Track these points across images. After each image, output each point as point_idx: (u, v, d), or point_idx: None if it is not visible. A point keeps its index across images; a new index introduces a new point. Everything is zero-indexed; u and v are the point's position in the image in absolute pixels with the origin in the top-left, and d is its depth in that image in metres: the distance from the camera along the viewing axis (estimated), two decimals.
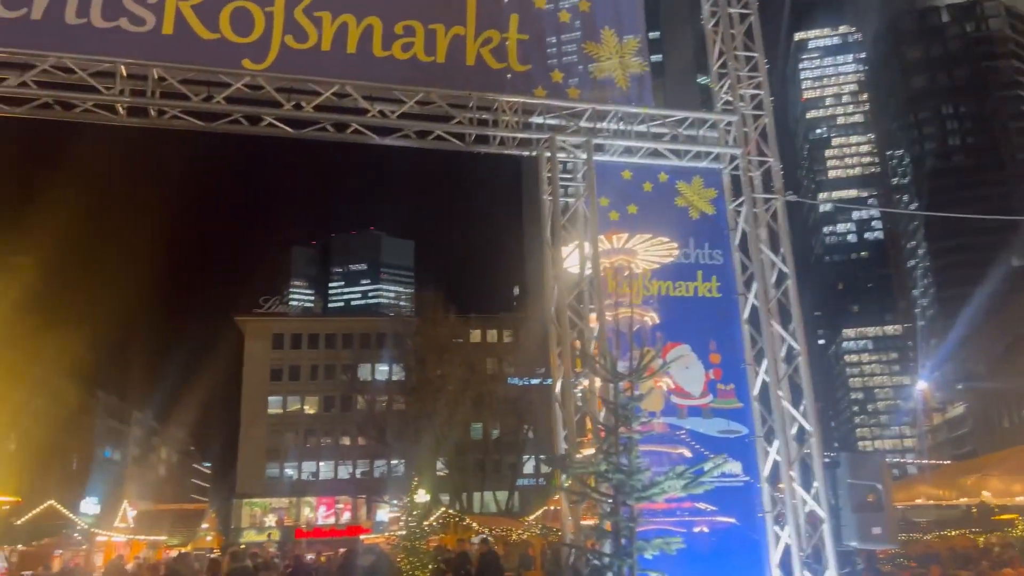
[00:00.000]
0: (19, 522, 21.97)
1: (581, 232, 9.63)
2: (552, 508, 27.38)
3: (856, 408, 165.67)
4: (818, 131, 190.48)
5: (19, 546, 19.81)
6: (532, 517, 28.66)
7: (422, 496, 23.04)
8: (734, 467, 8.47)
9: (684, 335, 9.20)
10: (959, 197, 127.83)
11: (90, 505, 25.14)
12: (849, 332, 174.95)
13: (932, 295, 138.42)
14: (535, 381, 63.99)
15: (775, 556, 8.42)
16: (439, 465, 56.32)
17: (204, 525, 34.89)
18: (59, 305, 47.88)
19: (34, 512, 22.74)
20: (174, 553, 26.46)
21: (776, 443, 8.81)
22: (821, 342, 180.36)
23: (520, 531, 20.39)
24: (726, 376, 9.04)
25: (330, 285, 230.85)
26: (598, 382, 8.73)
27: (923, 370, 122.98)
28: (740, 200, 9.39)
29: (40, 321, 45.09)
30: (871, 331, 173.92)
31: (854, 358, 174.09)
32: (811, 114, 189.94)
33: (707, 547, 7.90)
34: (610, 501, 6.09)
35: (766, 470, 8.72)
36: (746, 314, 9.37)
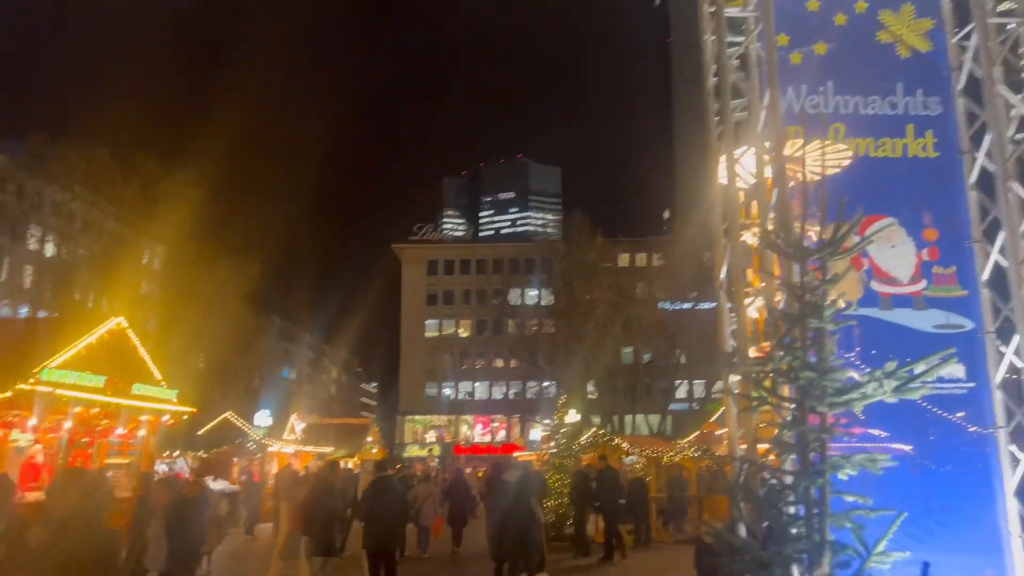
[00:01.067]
0: (200, 432, 23.96)
1: (753, 84, 7.84)
2: (709, 432, 26.50)
3: None
4: None
5: (200, 453, 21.65)
6: (686, 440, 27.95)
7: (572, 416, 22.84)
8: (956, 370, 6.96)
9: (889, 205, 7.32)
10: None
11: (263, 418, 27.17)
12: None
13: None
14: (687, 305, 62.30)
15: (1012, 482, 6.90)
16: (589, 388, 56.52)
17: (368, 439, 36.83)
18: (231, 234, 51.05)
19: (212, 424, 24.70)
20: (350, 464, 28.10)
21: (1015, 340, 7.14)
22: None
23: (672, 453, 19.71)
24: (945, 257, 7.34)
25: (480, 214, 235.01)
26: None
27: None
28: (967, 29, 7.46)
29: (215, 249, 48.51)
30: None
31: None
32: None
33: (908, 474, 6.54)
34: (794, 407, 5.13)
35: (999, 375, 7.09)
36: (973, 177, 7.48)
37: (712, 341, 36.05)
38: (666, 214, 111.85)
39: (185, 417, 18.61)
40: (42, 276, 49.61)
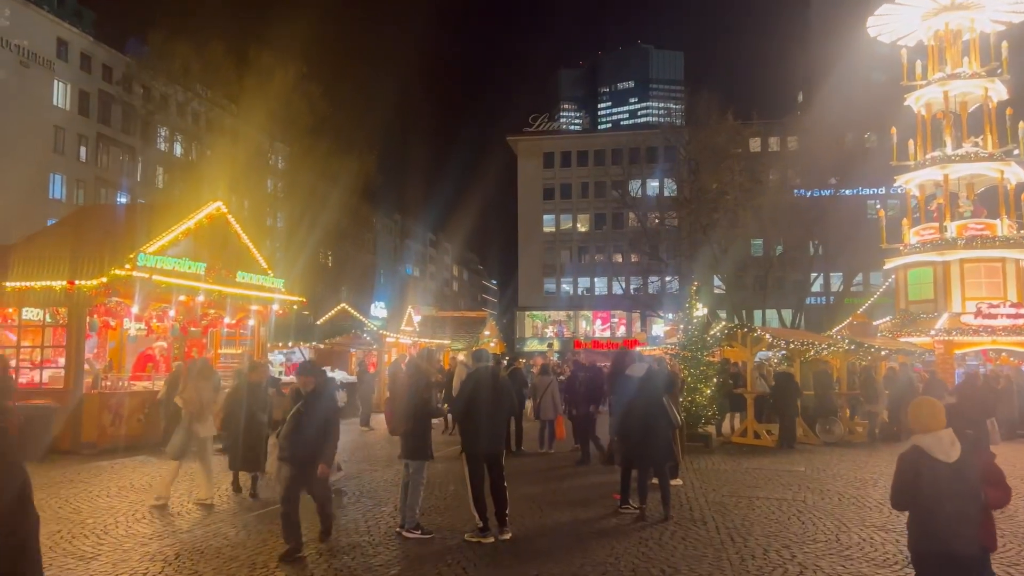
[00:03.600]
0: (319, 322, 23.66)
1: None
2: (861, 324, 23.87)
3: None
4: None
5: (314, 343, 21.26)
6: (835, 330, 25.47)
7: (700, 311, 20.85)
8: None
9: None
10: None
11: (379, 310, 26.88)
12: None
13: None
14: (825, 192, 57.52)
15: None
16: (716, 282, 53.78)
17: (486, 332, 36.17)
18: (348, 129, 50.44)
19: (329, 315, 24.35)
20: (460, 356, 27.42)
21: None
22: None
23: (824, 346, 17.47)
24: None
25: (599, 106, 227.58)
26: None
27: None
28: None
29: (332, 146, 48.27)
30: None
31: None
32: None
33: None
34: None
35: None
36: None
37: (852, 230, 32.86)
38: (800, 97, 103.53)
39: (295, 307, 17.98)
40: (172, 176, 51.10)
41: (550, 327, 74.60)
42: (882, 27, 25.81)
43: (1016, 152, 23.41)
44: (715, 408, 16.23)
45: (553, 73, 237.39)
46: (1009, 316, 20.69)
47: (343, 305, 25.06)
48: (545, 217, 75.88)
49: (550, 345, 68.91)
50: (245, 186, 44.62)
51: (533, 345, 69.68)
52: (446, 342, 29.28)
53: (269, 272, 17.20)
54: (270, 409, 10.32)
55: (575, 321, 74.14)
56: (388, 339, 24.42)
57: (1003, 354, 22.84)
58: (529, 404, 16.90)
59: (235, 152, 43.76)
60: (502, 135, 79.00)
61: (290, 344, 20.55)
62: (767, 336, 16.49)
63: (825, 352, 18.44)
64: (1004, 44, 23.61)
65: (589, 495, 10.41)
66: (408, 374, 8.84)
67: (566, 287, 74.79)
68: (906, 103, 24.92)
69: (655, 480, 9.15)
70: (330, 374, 16.25)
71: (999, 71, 23.53)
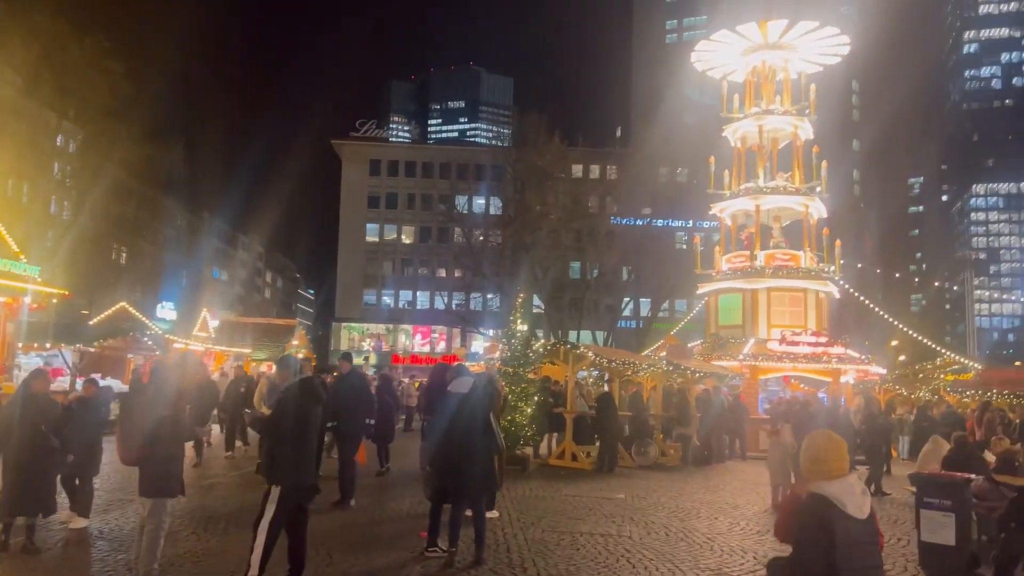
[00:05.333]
0: (92, 323, 20.43)
1: None
2: (674, 347, 24.16)
3: (976, 270, 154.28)
4: None
5: (79, 345, 18.02)
6: (649, 351, 25.77)
7: (522, 325, 20.02)
8: None
9: None
10: None
11: (166, 311, 23.89)
12: (979, 188, 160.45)
13: None
14: (640, 222, 60.01)
15: None
16: (535, 301, 54.21)
17: (294, 342, 33.56)
18: (151, 116, 45.62)
19: (106, 313, 21.14)
20: (263, 368, 24.89)
21: None
22: (945, 198, 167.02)
23: (646, 365, 17.19)
24: None
25: (429, 122, 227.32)
26: None
27: None
28: None
29: (133, 131, 43.44)
30: (1004, 188, 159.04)
31: (981, 216, 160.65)
32: None
33: None
34: None
35: None
36: None
37: (662, 259, 33.86)
38: (619, 131, 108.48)
39: (55, 300, 15.08)
40: None
41: (368, 340, 72.05)
42: (706, 60, 26.69)
43: (818, 189, 24.87)
44: (535, 428, 15.31)
45: (384, 84, 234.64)
46: (810, 344, 21.65)
47: (123, 304, 21.88)
48: (369, 226, 73.49)
49: (366, 359, 66.47)
50: (26, 167, 39.19)
51: None
52: (246, 351, 26.63)
53: (22, 257, 14.26)
54: (64, 429, 7.71)
55: (395, 335, 72.13)
56: (177, 344, 21.55)
57: (793, 381, 23.98)
58: None
59: (18, 128, 38.21)
60: (325, 138, 75.99)
61: (48, 346, 17.29)
62: (590, 354, 15.85)
63: (643, 373, 18.20)
64: (812, 87, 25.12)
65: (394, 532, 8.94)
66: (152, 385, 6.95)
67: (387, 299, 72.69)
68: (724, 134, 25.83)
69: (469, 512, 7.87)
70: (103, 382, 13.60)
71: (807, 111, 24.96)
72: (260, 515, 6.02)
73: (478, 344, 62.85)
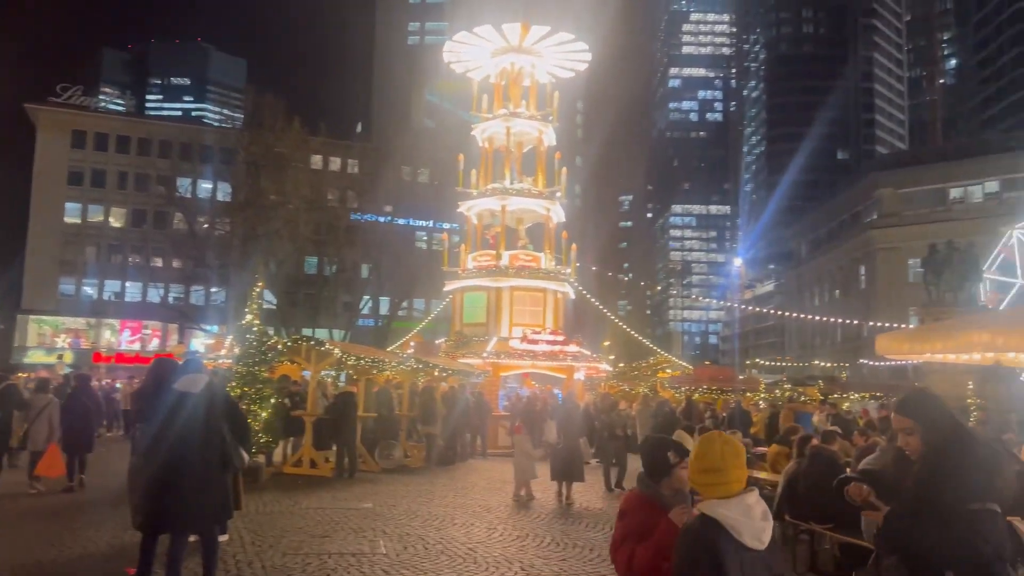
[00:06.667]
0: None
1: None
2: (419, 344, 23.56)
3: (672, 280, 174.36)
4: (680, 3, 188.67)
5: None
6: (396, 348, 24.92)
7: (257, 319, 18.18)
8: None
9: None
10: (795, 87, 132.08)
11: None
12: (677, 208, 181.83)
13: (760, 180, 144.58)
14: (382, 219, 59.01)
15: None
16: (267, 296, 50.99)
17: None
18: None
19: None
20: None
21: None
22: (650, 215, 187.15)
23: (394, 363, 16.29)
24: None
25: (147, 98, 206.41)
26: None
27: (743, 249, 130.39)
28: None
29: None
30: (697, 209, 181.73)
31: (678, 233, 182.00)
32: None
33: None
34: None
35: None
36: None
37: (402, 258, 33.36)
38: (359, 127, 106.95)
39: None
40: None
41: (63, 336, 62.89)
42: (458, 57, 26.50)
43: (558, 194, 25.75)
44: (269, 434, 13.72)
45: (95, 51, 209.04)
46: (548, 343, 22.23)
47: None
48: (69, 205, 64.16)
49: (60, 357, 57.86)
50: None
51: (38, 356, 57.89)
52: None
53: None
54: None
55: (98, 331, 63.73)
56: None
57: (527, 378, 24.62)
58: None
59: None
60: (16, 101, 65.23)
61: None
62: (336, 351, 14.60)
63: (389, 371, 17.34)
64: (556, 95, 25.96)
65: (89, 570, 7.13)
66: None
67: (89, 290, 64.03)
68: (472, 133, 25.81)
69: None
70: None
71: (550, 118, 25.73)
72: None
73: (198, 342, 57.60)
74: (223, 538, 8.07)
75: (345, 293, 57.51)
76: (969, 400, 22.53)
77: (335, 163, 65.51)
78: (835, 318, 49.47)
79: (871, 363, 47.60)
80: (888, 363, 44.60)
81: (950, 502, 2.88)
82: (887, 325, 42.99)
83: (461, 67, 26.71)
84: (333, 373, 24.22)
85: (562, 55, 26.09)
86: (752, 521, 2.75)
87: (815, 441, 7.85)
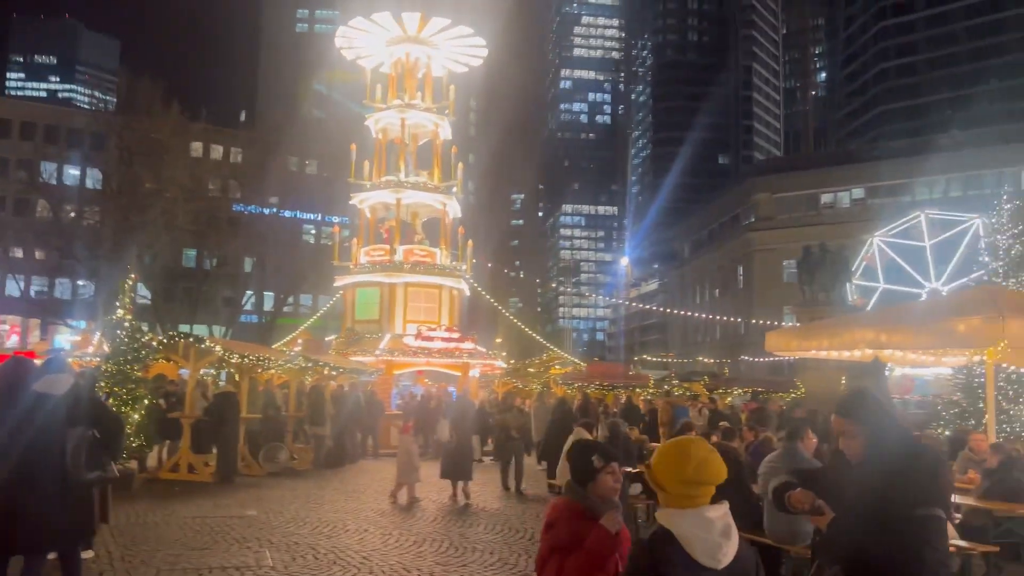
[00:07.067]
0: None
1: None
2: (310, 342, 22.64)
3: (562, 279, 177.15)
4: (572, 6, 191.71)
5: None
6: (282, 344, 23.81)
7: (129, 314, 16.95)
8: None
9: None
10: (680, 92, 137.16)
11: None
12: (567, 208, 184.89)
13: (646, 182, 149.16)
14: (267, 211, 56.74)
15: None
16: (140, 290, 48.05)
17: None
18: None
19: None
20: None
21: None
22: (541, 214, 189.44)
23: (282, 361, 15.48)
24: None
25: (7, 75, 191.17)
26: None
27: (629, 248, 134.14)
28: None
29: None
30: (586, 209, 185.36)
31: (568, 232, 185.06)
32: None
33: None
34: None
35: None
36: None
37: (288, 252, 32.17)
38: (243, 115, 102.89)
39: None
40: None
41: None
42: (350, 43, 25.65)
43: (455, 189, 25.37)
44: (143, 438, 12.71)
45: None
46: (443, 339, 21.83)
47: None
48: None
49: None
50: None
51: None
52: None
53: None
54: None
55: None
56: None
57: (420, 375, 24.17)
58: None
59: None
60: None
61: None
62: (217, 348, 13.70)
63: (276, 369, 16.51)
64: (452, 88, 25.55)
65: None
66: None
67: None
68: (366, 123, 25.04)
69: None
70: None
71: (447, 111, 25.31)
72: None
73: (64, 338, 53.62)
74: (87, 555, 7.29)
75: (226, 288, 54.94)
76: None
77: (217, 151, 62.72)
78: (716, 316, 51.47)
79: (750, 359, 49.75)
80: (766, 359, 46.81)
81: (896, 508, 2.72)
82: (764, 323, 45.13)
83: (353, 54, 25.86)
84: (213, 372, 22.95)
85: (459, 48, 25.71)
86: (708, 536, 2.48)
87: (715, 438, 7.86)
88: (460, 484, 12.31)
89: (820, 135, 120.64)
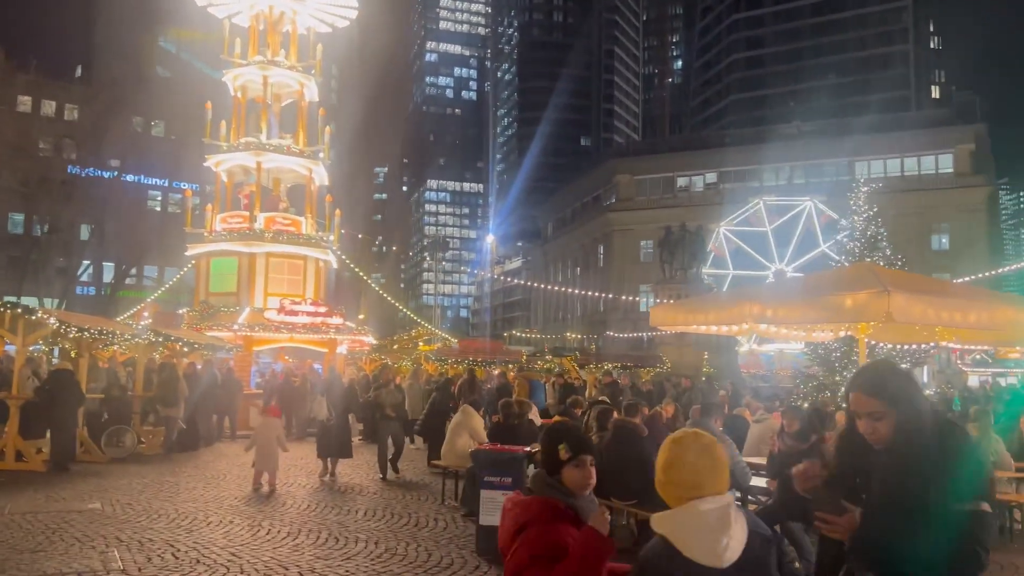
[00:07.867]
0: None
1: None
2: (158, 315, 20.80)
3: (427, 255, 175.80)
4: None
5: None
6: (128, 317, 21.69)
7: None
8: None
9: None
10: (545, 72, 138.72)
11: None
12: (432, 183, 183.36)
13: (511, 161, 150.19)
14: (107, 175, 52.16)
15: None
16: None
17: None
18: None
19: None
20: None
21: None
22: (405, 188, 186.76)
23: (128, 336, 13.90)
24: None
25: None
26: None
27: (493, 226, 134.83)
28: None
29: None
30: (451, 185, 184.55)
31: (432, 208, 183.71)
32: None
33: None
34: None
35: None
36: None
37: (131, 220, 29.68)
38: (79, 71, 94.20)
39: None
40: None
41: None
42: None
43: (321, 155, 24.00)
44: None
45: None
46: (309, 314, 20.65)
47: None
48: None
49: None
50: None
51: None
52: None
53: None
54: None
55: None
56: None
57: (281, 353, 22.92)
58: None
59: None
60: None
61: None
62: (52, 320, 12.07)
63: (120, 346, 14.93)
64: (319, 47, 24.06)
65: None
66: None
67: None
68: (223, 79, 23.14)
69: None
70: None
71: (313, 71, 23.82)
72: None
73: None
74: None
75: (60, 256, 50.12)
76: (705, 369, 24.64)
77: (49, 107, 57.15)
78: (585, 291, 52.48)
79: (613, 335, 51.19)
80: (627, 335, 48.27)
81: (936, 503, 2.33)
82: (626, 299, 46.54)
83: (217, 10, 23.74)
84: (44, 348, 20.62)
85: (327, 5, 24.18)
86: (703, 533, 2.10)
87: (616, 415, 7.59)
88: (335, 461, 11.92)
89: (676, 121, 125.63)
